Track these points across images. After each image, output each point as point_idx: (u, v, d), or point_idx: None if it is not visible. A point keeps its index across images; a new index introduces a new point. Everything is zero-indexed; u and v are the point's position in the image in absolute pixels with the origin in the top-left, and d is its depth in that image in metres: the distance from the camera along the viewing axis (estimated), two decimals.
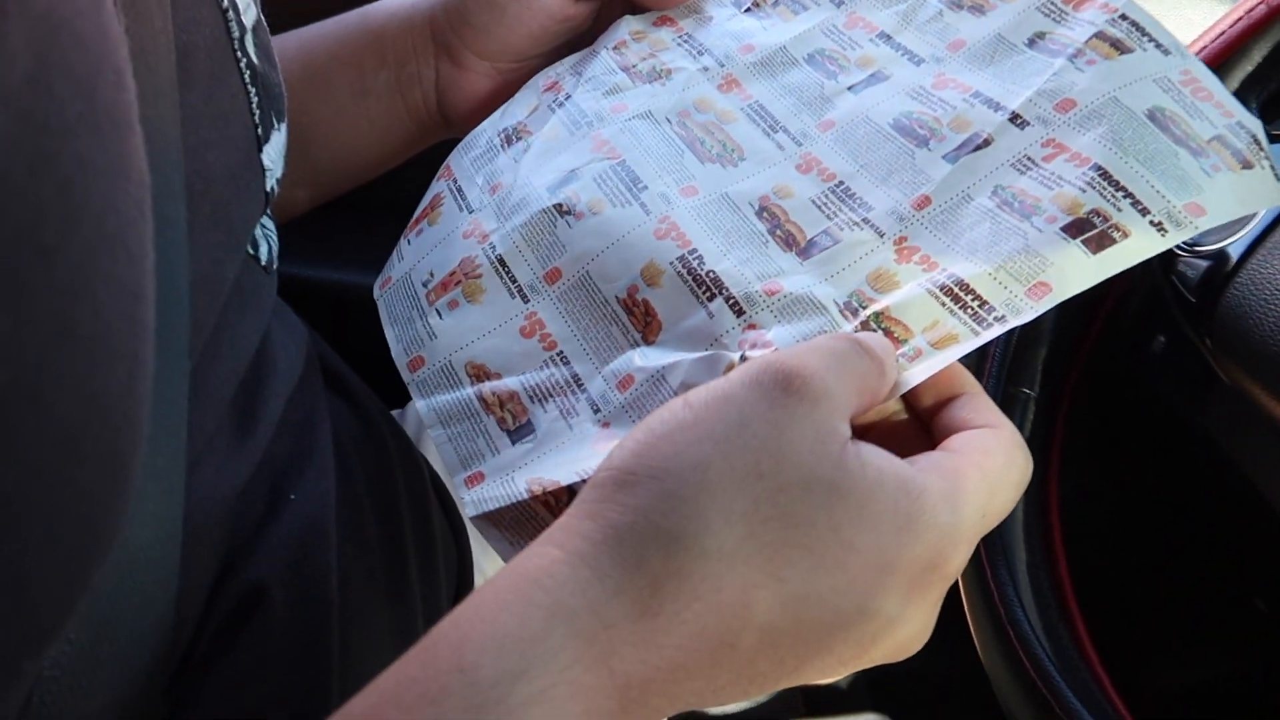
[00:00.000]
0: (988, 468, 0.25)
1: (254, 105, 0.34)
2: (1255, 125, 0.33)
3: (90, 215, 0.19)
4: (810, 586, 0.22)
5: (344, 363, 0.49)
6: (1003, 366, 0.50)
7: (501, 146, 0.43)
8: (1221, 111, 0.33)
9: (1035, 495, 0.50)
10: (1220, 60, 0.46)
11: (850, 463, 0.23)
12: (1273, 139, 0.42)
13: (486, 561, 0.50)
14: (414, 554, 0.41)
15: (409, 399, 0.55)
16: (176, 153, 0.28)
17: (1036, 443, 0.50)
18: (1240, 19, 0.46)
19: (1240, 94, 0.46)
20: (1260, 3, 0.45)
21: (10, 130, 0.17)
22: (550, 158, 0.40)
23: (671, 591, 0.22)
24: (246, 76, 0.34)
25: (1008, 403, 0.50)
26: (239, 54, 0.33)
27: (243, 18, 0.34)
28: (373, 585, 0.38)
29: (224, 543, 0.33)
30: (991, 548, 0.48)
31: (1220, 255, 0.43)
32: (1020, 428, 0.50)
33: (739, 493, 0.22)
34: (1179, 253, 0.44)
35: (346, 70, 0.47)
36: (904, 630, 0.24)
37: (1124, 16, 0.35)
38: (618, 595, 0.22)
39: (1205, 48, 0.46)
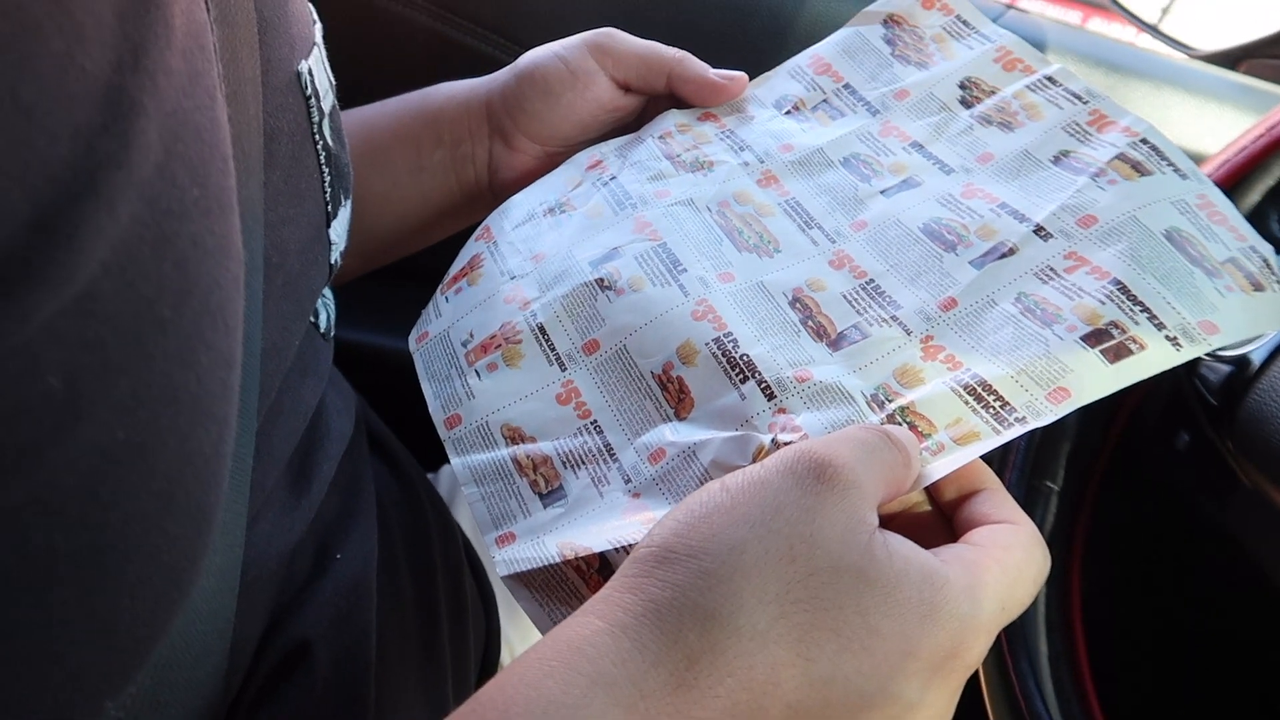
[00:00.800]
0: (1008, 562, 0.26)
1: (326, 184, 0.37)
2: (1267, 249, 0.34)
3: (199, 290, 0.21)
4: (837, 668, 0.23)
5: (383, 424, 0.51)
6: (1027, 459, 0.51)
7: (544, 217, 0.45)
8: (1235, 235, 0.35)
9: (1057, 588, 0.50)
10: (1243, 174, 0.48)
11: (878, 551, 0.24)
12: None
13: (514, 632, 0.51)
14: (446, 618, 0.42)
15: (444, 462, 0.57)
16: (259, 229, 0.30)
17: (1059, 536, 0.51)
18: (1262, 135, 0.48)
19: (1262, 207, 0.47)
20: (1279, 122, 0.47)
21: (141, 214, 0.19)
22: (594, 233, 0.42)
23: (706, 666, 0.23)
24: (322, 158, 0.36)
25: (1031, 496, 0.51)
26: (316, 137, 0.36)
27: (322, 103, 0.37)
28: (407, 645, 0.39)
29: (274, 598, 0.34)
30: (1013, 639, 0.48)
31: (1242, 361, 0.44)
32: (1043, 521, 0.51)
33: (772, 575, 0.24)
34: (1202, 356, 0.46)
35: (405, 148, 0.50)
36: (924, 715, 0.25)
37: (1145, 141, 0.37)
38: (656, 667, 0.23)
39: (1228, 161, 0.48)
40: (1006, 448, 0.51)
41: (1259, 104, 0.74)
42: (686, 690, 0.23)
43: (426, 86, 0.53)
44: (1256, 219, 0.47)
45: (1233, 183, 0.47)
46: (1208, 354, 0.45)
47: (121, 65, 0.19)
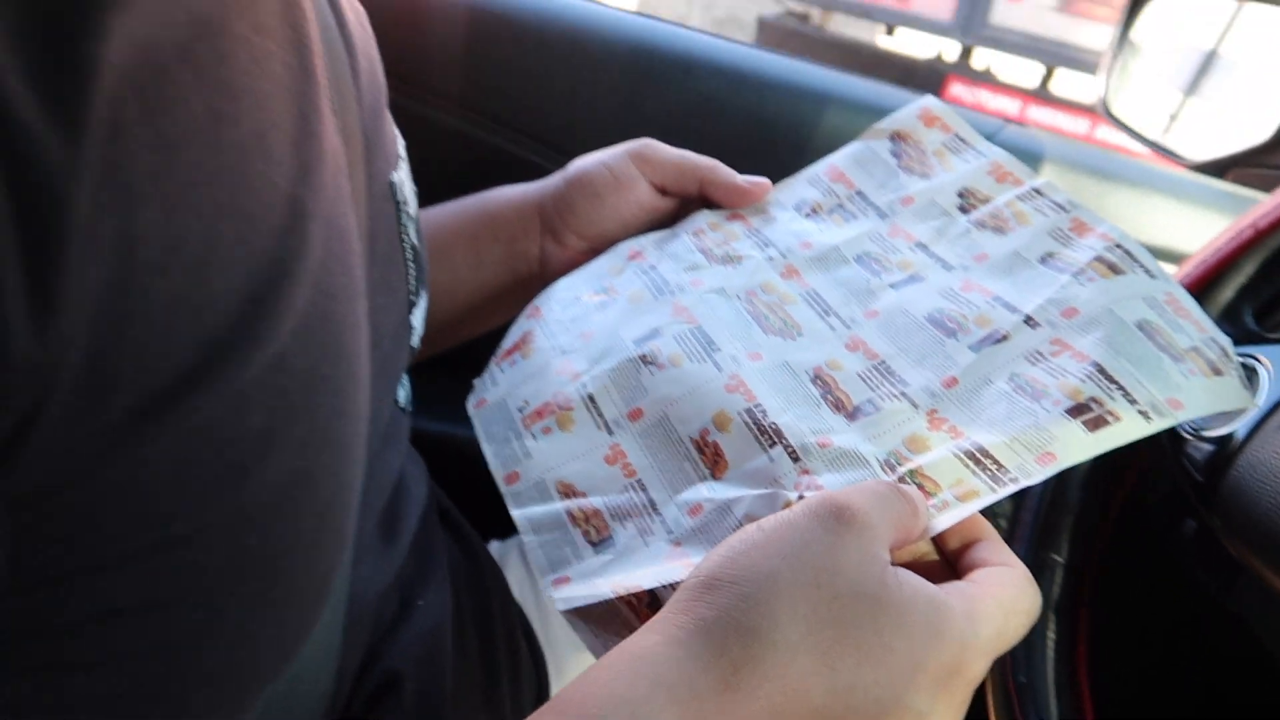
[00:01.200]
0: (1002, 596, 0.31)
1: (411, 277, 0.43)
2: (1225, 341, 0.39)
3: (346, 356, 0.27)
4: (857, 678, 0.28)
5: (447, 498, 0.56)
6: (1034, 533, 0.55)
7: (590, 299, 0.50)
8: (1197, 328, 0.40)
9: (1065, 658, 0.53)
10: (1218, 271, 0.53)
11: (890, 580, 0.29)
12: (1272, 341, 0.48)
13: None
14: (504, 674, 0.47)
15: (496, 536, 0.61)
16: (366, 314, 0.36)
17: (1066, 606, 0.54)
18: (1234, 237, 0.53)
19: (1236, 302, 0.52)
20: (1248, 226, 0.52)
21: (312, 294, 0.25)
22: (636, 315, 0.48)
23: (748, 673, 0.27)
24: (409, 255, 0.42)
25: (1039, 567, 0.54)
26: (404, 237, 0.42)
27: (409, 208, 0.43)
28: (473, 695, 0.43)
29: (370, 634, 0.39)
30: (1024, 706, 0.51)
31: (1226, 439, 0.49)
32: (1049, 590, 0.54)
33: (801, 599, 0.28)
34: (1187, 436, 0.50)
35: (467, 246, 0.56)
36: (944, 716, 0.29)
37: (1119, 245, 0.43)
38: (706, 673, 0.27)
39: (1204, 260, 0.53)
40: (1014, 522, 0.55)
41: (1240, 208, 0.80)
42: (732, 692, 0.27)
43: (456, 179, 0.59)
44: (1231, 312, 0.52)
45: (1208, 280, 0.53)
46: (1193, 434, 0.50)
47: (297, 180, 0.25)
